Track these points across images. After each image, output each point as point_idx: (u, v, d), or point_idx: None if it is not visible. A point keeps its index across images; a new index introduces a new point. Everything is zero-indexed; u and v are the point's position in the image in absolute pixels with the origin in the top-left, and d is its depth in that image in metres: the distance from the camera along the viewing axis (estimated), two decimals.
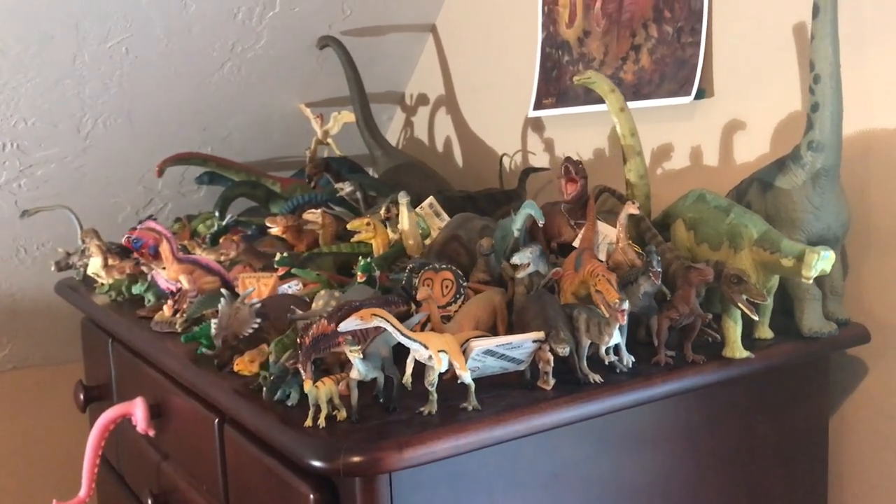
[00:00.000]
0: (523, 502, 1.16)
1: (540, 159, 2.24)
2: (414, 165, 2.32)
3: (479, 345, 1.07)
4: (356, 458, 0.97)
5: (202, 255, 1.72)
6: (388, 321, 1.00)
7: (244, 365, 1.16)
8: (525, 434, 1.08)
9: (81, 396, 2.12)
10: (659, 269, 1.19)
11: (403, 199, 1.55)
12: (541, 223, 1.37)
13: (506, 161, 2.34)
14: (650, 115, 1.90)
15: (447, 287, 1.29)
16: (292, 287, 1.44)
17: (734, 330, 1.26)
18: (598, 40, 2.03)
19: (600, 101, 2.01)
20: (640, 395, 1.18)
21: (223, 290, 1.31)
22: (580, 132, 2.11)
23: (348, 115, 2.51)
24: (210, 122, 2.55)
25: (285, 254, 1.55)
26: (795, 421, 1.46)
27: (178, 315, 1.59)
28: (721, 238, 1.34)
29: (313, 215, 1.79)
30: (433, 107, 2.65)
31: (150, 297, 1.81)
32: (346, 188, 1.97)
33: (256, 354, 1.17)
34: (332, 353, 1.12)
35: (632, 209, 1.31)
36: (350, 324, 1.00)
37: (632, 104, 1.93)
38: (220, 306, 1.30)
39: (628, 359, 1.18)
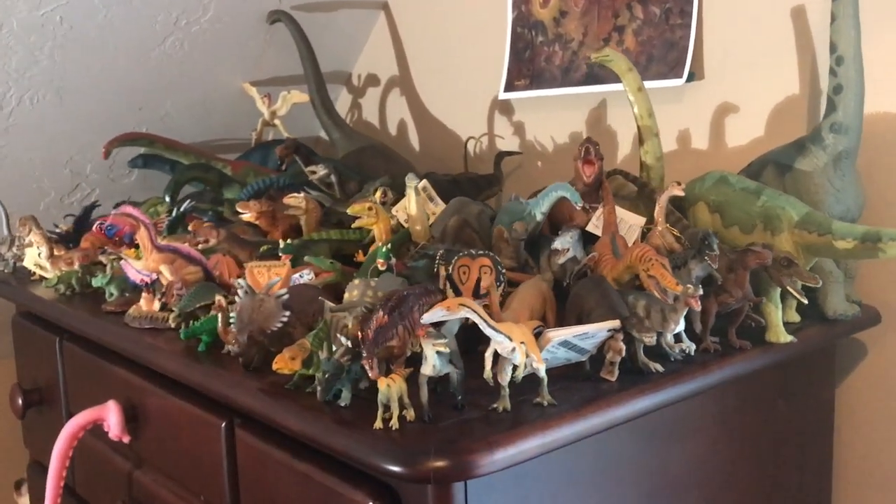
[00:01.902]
0: (582, 500, 1.10)
1: (509, 143, 2.18)
2: (377, 148, 2.21)
3: (557, 335, 1.01)
4: (444, 462, 0.89)
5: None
6: (475, 311, 0.92)
7: (285, 363, 1.05)
8: (604, 428, 1.02)
9: (20, 401, 1.92)
10: (717, 252, 1.15)
11: (412, 181, 1.45)
12: (578, 206, 1.31)
13: (471, 144, 2.27)
14: None
15: (486, 274, 1.21)
16: (304, 276, 1.33)
17: (776, 314, 1.24)
18: (577, 20, 1.99)
19: (579, 83, 1.99)
20: (700, 384, 1.14)
21: (240, 282, 1.19)
22: (555, 115, 2.06)
23: (298, 96, 2.38)
24: (147, 100, 2.36)
25: (289, 241, 1.42)
26: (808, 402, 1.46)
27: (165, 309, 1.44)
28: (753, 221, 1.32)
29: (295, 199, 1.66)
30: (385, 88, 2.54)
31: (112, 291, 1.65)
32: (318, 171, 1.85)
33: (298, 351, 1.05)
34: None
35: (677, 190, 1.27)
36: (436, 314, 0.91)
37: (617, 87, 1.90)
38: (239, 299, 1.18)
39: (689, 346, 1.13)
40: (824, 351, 1.48)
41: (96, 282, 1.66)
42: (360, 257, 1.50)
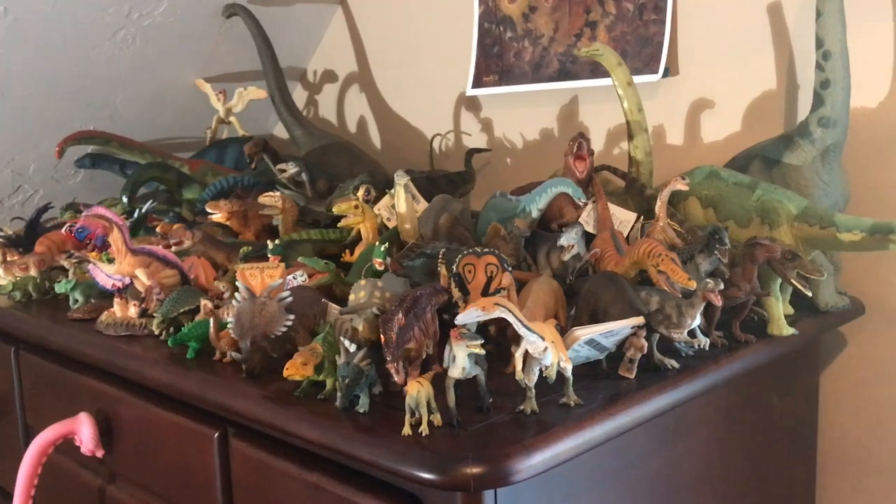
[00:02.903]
0: (602, 501, 1.08)
1: (477, 140, 2.16)
2: (341, 146, 2.16)
3: (585, 334, 0.98)
4: (483, 468, 0.85)
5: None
6: (511, 310, 0.88)
7: (297, 369, 0.99)
8: (630, 427, 1.00)
9: None
10: (729, 246, 1.14)
11: (402, 178, 1.41)
12: (582, 202, 1.29)
13: (437, 142, 2.23)
14: (609, 93, 1.86)
15: (492, 272, 1.17)
16: (297, 278, 1.27)
17: (777, 307, 1.25)
18: (547, 16, 1.97)
19: (551, 78, 1.97)
20: (714, 379, 1.14)
21: (240, 284, 1.12)
22: (525, 111, 2.04)
23: (256, 92, 2.31)
24: (95, 97, 2.25)
25: (277, 241, 1.36)
26: (796, 393, 1.48)
27: (144, 316, 1.37)
28: (750, 215, 1.32)
29: (271, 198, 1.60)
30: (343, 84, 2.49)
31: (76, 297, 1.56)
32: (289, 169, 1.79)
33: (310, 356, 1.00)
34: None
35: (680, 185, 1.26)
36: (470, 315, 0.87)
37: (590, 83, 1.89)
38: (236, 303, 1.12)
39: (704, 341, 1.12)
40: (811, 342, 1.50)
41: (59, 287, 1.56)
42: (347, 257, 1.45)
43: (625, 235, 1.38)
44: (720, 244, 1.14)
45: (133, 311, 1.40)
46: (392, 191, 1.60)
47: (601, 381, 1.06)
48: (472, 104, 2.16)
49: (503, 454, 0.87)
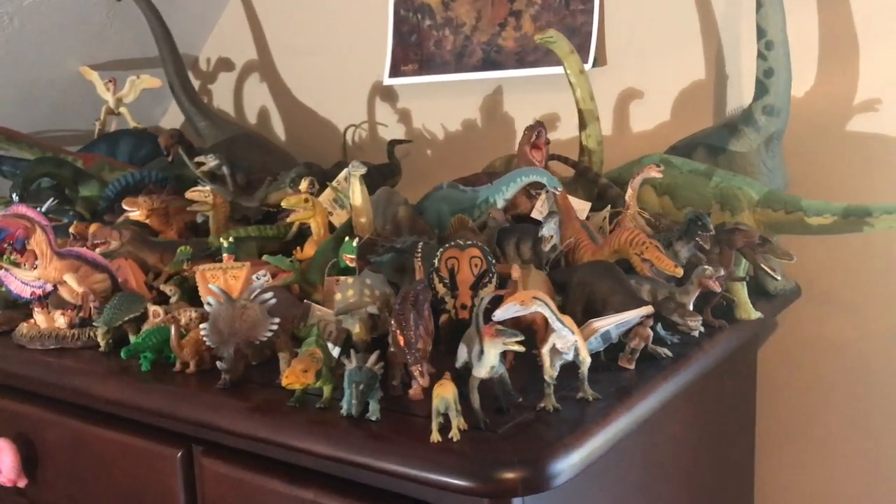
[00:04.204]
0: (613, 498, 1.06)
1: (394, 131, 2.09)
2: (250, 137, 2.04)
3: (601, 326, 0.95)
4: (527, 472, 0.81)
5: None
6: (547, 304, 0.84)
7: (297, 377, 0.91)
8: (645, 419, 0.98)
9: None
10: (712, 232, 1.15)
11: (358, 169, 1.33)
12: (559, 191, 1.26)
13: (350, 133, 2.15)
14: (535, 83, 1.86)
15: (476, 266, 1.13)
16: (261, 278, 1.18)
17: (743, 291, 1.27)
18: (469, 4, 1.94)
19: (475, 68, 1.94)
20: (703, 365, 1.14)
21: (213, 287, 1.02)
22: (446, 102, 2.00)
23: (149, 80, 2.14)
24: None
25: (231, 240, 1.25)
26: (739, 373, 1.52)
27: (78, 326, 1.23)
28: (708, 202, 1.34)
29: (200, 194, 1.48)
30: (242, 73, 2.36)
31: None
32: (208, 162, 1.66)
33: (311, 362, 0.92)
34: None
35: (654, 172, 1.25)
36: (509, 310, 0.83)
37: (515, 73, 1.88)
38: (210, 308, 1.01)
39: (698, 327, 1.11)
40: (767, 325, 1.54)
41: None
42: (299, 254, 1.36)
43: (616, 222, 1.36)
44: (703, 230, 1.15)
45: (62, 321, 1.25)
46: (334, 183, 1.53)
47: (602, 374, 1.04)
48: (389, 94, 2.09)
49: (546, 455, 0.83)
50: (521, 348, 0.84)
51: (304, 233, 1.53)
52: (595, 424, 0.89)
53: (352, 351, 0.92)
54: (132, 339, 1.19)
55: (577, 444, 0.85)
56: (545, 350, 0.89)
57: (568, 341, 0.88)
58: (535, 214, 1.43)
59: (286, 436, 0.94)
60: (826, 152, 1.55)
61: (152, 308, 1.17)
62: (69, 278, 1.25)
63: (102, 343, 1.19)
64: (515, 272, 1.01)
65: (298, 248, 1.37)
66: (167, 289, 1.24)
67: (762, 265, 1.22)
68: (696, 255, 1.20)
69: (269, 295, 1.01)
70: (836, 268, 1.55)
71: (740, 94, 1.65)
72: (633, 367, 1.05)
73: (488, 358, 0.86)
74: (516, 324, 0.96)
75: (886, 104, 1.50)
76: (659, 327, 1.14)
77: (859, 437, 1.57)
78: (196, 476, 1.10)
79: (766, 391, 1.64)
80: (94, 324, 1.21)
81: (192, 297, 1.28)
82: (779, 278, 1.24)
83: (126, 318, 1.18)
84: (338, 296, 1.06)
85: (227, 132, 2.04)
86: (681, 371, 1.08)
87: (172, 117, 2.47)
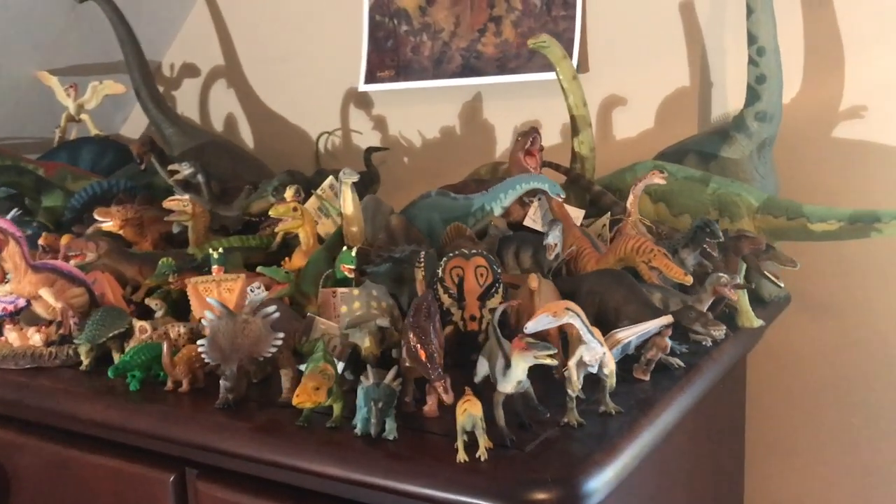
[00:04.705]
0: None
1: (369, 138, 2.04)
2: (220, 145, 1.98)
3: (624, 337, 0.92)
4: (562, 491, 0.77)
5: None
6: (578, 315, 0.81)
7: (308, 395, 0.86)
8: (669, 431, 0.95)
9: None
10: (721, 239, 1.13)
11: (349, 177, 1.28)
12: (561, 197, 1.23)
13: (323, 140, 2.10)
14: (516, 90, 1.83)
15: (481, 275, 1.09)
16: (255, 290, 1.12)
17: (745, 299, 1.25)
18: (447, 10, 1.90)
19: (454, 74, 1.90)
20: (714, 374, 1.12)
21: (211, 300, 0.96)
22: (424, 108, 1.96)
23: (113, 86, 2.06)
24: None
25: (220, 250, 1.19)
26: (730, 380, 1.50)
27: (57, 343, 1.15)
28: (706, 208, 1.33)
29: (179, 203, 1.42)
30: (208, 79, 2.28)
31: None
32: (183, 170, 1.60)
33: (322, 379, 0.87)
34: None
35: (658, 178, 1.23)
36: (542, 322, 0.79)
37: (495, 79, 1.85)
38: (211, 323, 0.95)
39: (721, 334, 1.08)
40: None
41: None
42: (288, 264, 1.30)
43: (618, 230, 1.33)
44: (712, 237, 1.13)
45: (37, 338, 1.18)
46: (318, 191, 1.48)
47: (618, 386, 1.00)
48: (363, 100, 2.05)
49: (579, 473, 0.79)
50: (554, 362, 0.80)
51: (287, 243, 1.48)
52: (623, 439, 0.86)
53: (368, 367, 0.87)
54: (116, 356, 1.13)
55: (608, 460, 0.82)
56: (573, 363, 0.85)
57: (597, 354, 0.85)
58: (527, 222, 1.40)
59: (296, 458, 0.88)
60: (811, 158, 1.55)
61: (139, 323, 1.11)
62: (45, 293, 1.17)
63: (86, 361, 1.12)
64: (534, 282, 0.98)
65: (287, 258, 1.31)
66: (152, 303, 1.18)
67: (765, 272, 1.20)
68: (701, 263, 1.18)
69: (272, 308, 0.95)
70: (823, 274, 1.54)
71: (725, 101, 1.64)
72: (647, 378, 1.02)
73: (516, 372, 0.82)
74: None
75: (872, 110, 1.51)
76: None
77: (847, 443, 1.57)
78: (189, 500, 1.03)
79: (754, 398, 1.63)
80: (75, 341, 1.13)
81: (176, 311, 1.22)
82: (781, 285, 1.22)
83: (110, 335, 1.12)
84: (343, 308, 1.01)
85: (196, 139, 1.97)
86: (695, 381, 1.05)
87: (134, 125, 2.38)
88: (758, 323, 1.26)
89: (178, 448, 1.02)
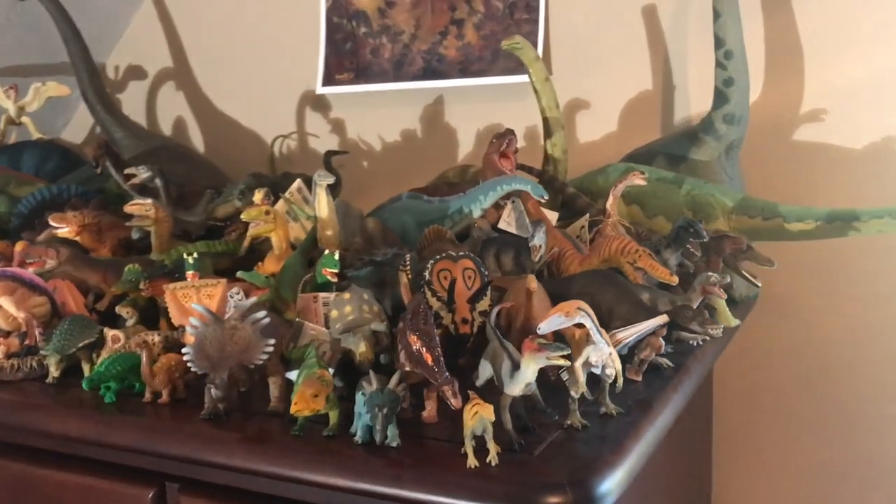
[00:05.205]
0: None
1: (327, 141, 2.01)
2: (173, 149, 1.92)
3: (625, 337, 0.92)
4: (579, 495, 0.76)
5: None
6: (589, 315, 0.79)
7: (306, 403, 0.83)
8: (668, 431, 0.95)
9: None
10: (705, 238, 1.13)
11: (324, 179, 1.25)
12: (544, 199, 1.21)
13: (279, 144, 2.05)
14: (479, 93, 1.82)
15: (469, 278, 1.07)
16: (234, 296, 1.08)
17: (721, 299, 1.26)
18: (407, 12, 1.88)
19: (415, 77, 1.88)
20: (701, 372, 1.12)
21: (196, 306, 0.92)
22: (384, 111, 1.93)
23: (57, 88, 1.97)
24: None
25: (195, 255, 1.14)
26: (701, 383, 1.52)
27: (20, 356, 1.09)
28: (680, 210, 1.33)
29: (141, 207, 1.36)
30: (155, 81, 2.21)
31: None
32: (140, 174, 1.54)
33: (321, 386, 0.84)
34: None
35: (638, 179, 1.23)
36: (554, 322, 0.77)
37: (458, 82, 1.84)
38: (197, 330, 0.91)
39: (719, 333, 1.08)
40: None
41: None
42: (261, 269, 1.26)
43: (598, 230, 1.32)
44: (696, 237, 1.13)
45: None
46: (286, 195, 1.44)
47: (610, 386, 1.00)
48: (321, 103, 2.01)
49: (593, 475, 0.78)
50: (567, 362, 0.79)
51: (253, 248, 1.43)
52: (630, 440, 0.85)
53: (371, 372, 0.84)
54: (86, 368, 1.07)
55: (618, 461, 0.81)
56: (579, 364, 0.84)
57: (603, 354, 0.84)
58: (502, 224, 1.38)
59: (295, 468, 0.85)
60: (770, 160, 1.57)
61: (111, 332, 1.06)
62: (5, 302, 1.11)
63: (56, 373, 1.06)
64: (533, 283, 0.96)
65: (260, 263, 1.27)
66: (123, 311, 1.12)
67: (743, 272, 1.22)
68: (682, 263, 1.18)
69: (262, 314, 0.92)
70: (789, 273, 1.57)
71: (687, 104, 1.66)
72: (640, 378, 1.02)
73: (525, 374, 0.80)
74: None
75: (832, 114, 1.54)
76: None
77: (813, 441, 1.60)
78: None
79: (721, 397, 1.65)
80: (42, 352, 1.07)
81: (144, 319, 1.17)
82: (759, 284, 1.24)
83: (80, 345, 1.06)
84: (334, 313, 0.97)
85: (147, 143, 1.91)
86: (684, 381, 1.05)
87: (75, 128, 2.30)
88: (735, 322, 1.26)
89: (157, 462, 0.98)
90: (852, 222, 1.19)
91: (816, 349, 1.57)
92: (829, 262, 1.53)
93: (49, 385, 1.08)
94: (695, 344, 1.11)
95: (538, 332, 0.80)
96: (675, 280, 1.09)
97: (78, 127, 2.28)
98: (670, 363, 1.07)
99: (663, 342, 0.99)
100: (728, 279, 1.05)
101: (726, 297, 1.06)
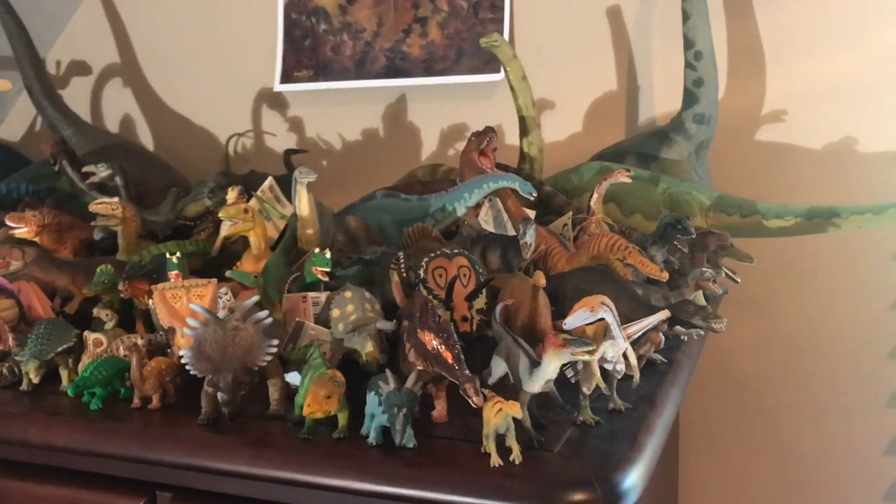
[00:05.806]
0: None
1: (284, 140, 1.97)
2: (125, 148, 1.85)
3: (634, 332, 0.92)
4: (606, 491, 0.75)
5: None
6: (611, 310, 0.79)
7: (319, 404, 0.80)
8: (672, 424, 0.96)
9: None
10: (693, 234, 1.14)
11: (306, 177, 1.22)
12: (533, 196, 1.21)
13: (234, 142, 2.00)
14: (442, 92, 1.81)
15: (464, 276, 1.06)
16: (223, 297, 1.04)
17: (700, 295, 1.28)
18: (369, 9, 1.86)
19: (378, 75, 1.86)
20: (689, 367, 1.13)
21: (195, 306, 0.88)
22: (345, 110, 1.91)
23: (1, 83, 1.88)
24: None
25: (178, 254, 1.09)
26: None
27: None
28: (657, 207, 1.35)
29: (107, 206, 1.30)
30: (100, 78, 2.13)
31: None
32: (100, 172, 1.48)
33: (334, 387, 0.81)
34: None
35: (623, 177, 1.23)
36: (580, 317, 0.77)
37: (421, 81, 1.82)
38: (195, 331, 0.88)
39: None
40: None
41: None
42: (240, 269, 1.22)
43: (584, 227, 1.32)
44: (683, 233, 1.14)
45: None
46: (258, 193, 1.40)
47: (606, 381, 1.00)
48: (278, 101, 1.97)
49: (618, 471, 0.77)
50: (592, 358, 0.78)
51: (225, 248, 1.39)
52: (644, 435, 0.85)
53: (388, 371, 0.82)
54: (64, 373, 1.02)
55: (638, 457, 0.81)
56: (595, 359, 0.84)
57: (620, 350, 0.83)
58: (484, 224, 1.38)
59: (306, 472, 0.82)
60: (734, 160, 1.61)
61: (92, 336, 1.01)
62: None
63: (35, 380, 1.00)
64: (541, 279, 0.95)
65: (238, 263, 1.23)
66: (102, 313, 1.07)
67: (724, 269, 1.23)
68: (671, 260, 1.20)
69: (264, 313, 0.89)
70: (753, 271, 1.60)
71: (652, 104, 1.68)
72: (638, 374, 1.02)
73: (546, 371, 0.79)
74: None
75: (793, 115, 1.58)
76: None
77: (774, 436, 1.64)
78: None
79: (687, 392, 1.67)
80: (17, 358, 1.01)
81: (124, 322, 1.12)
82: (738, 280, 1.26)
83: (59, 350, 1.01)
84: (335, 312, 0.95)
85: (97, 141, 1.84)
86: (678, 375, 1.06)
87: (11, 126, 2.20)
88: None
89: (148, 470, 0.93)
90: (832, 219, 1.22)
91: (780, 345, 1.61)
92: (792, 260, 1.57)
93: (22, 392, 1.02)
94: (684, 339, 1.12)
95: (564, 326, 0.80)
96: (665, 276, 1.09)
97: (14, 124, 2.19)
98: (663, 359, 1.08)
99: (663, 338, 1.00)
100: (722, 275, 1.06)
101: (721, 291, 1.07)
